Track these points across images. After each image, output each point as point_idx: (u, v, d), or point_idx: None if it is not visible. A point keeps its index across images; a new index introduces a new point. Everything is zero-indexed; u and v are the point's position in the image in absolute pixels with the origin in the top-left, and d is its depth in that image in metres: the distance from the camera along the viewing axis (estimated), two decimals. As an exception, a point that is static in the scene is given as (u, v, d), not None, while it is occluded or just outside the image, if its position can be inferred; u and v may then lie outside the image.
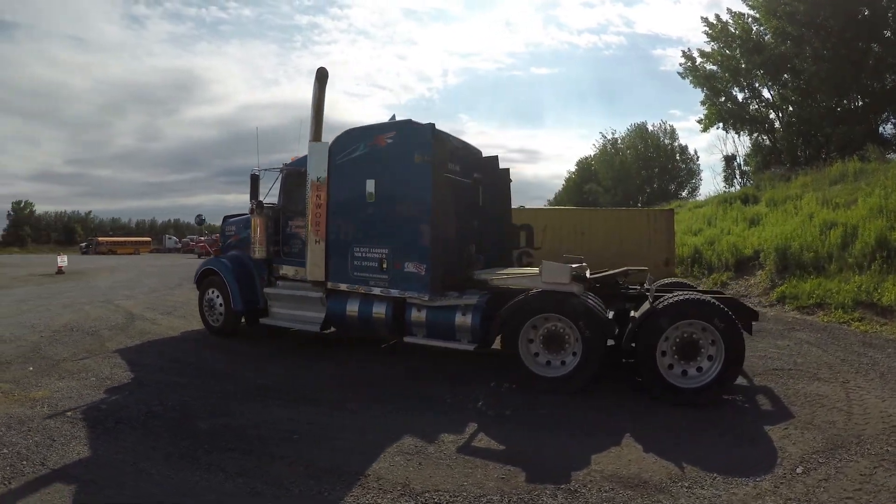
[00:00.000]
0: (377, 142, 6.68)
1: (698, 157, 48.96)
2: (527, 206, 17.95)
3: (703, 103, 30.38)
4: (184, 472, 3.91)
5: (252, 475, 3.83)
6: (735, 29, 26.81)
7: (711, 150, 65.56)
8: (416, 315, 6.51)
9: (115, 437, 4.57)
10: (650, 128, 49.80)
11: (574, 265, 6.86)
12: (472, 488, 3.65)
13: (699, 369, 5.43)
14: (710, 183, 75.18)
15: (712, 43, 28.11)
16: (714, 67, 28.77)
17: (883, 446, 4.30)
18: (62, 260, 23.63)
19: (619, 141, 52.48)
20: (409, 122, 6.65)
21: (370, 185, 6.70)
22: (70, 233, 76.19)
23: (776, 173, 22.70)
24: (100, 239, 56.84)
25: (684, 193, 45.57)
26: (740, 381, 6.03)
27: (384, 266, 6.61)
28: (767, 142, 28.21)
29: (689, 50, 29.73)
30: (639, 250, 16.30)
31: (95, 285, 16.73)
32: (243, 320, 8.60)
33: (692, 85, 30.34)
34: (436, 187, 6.27)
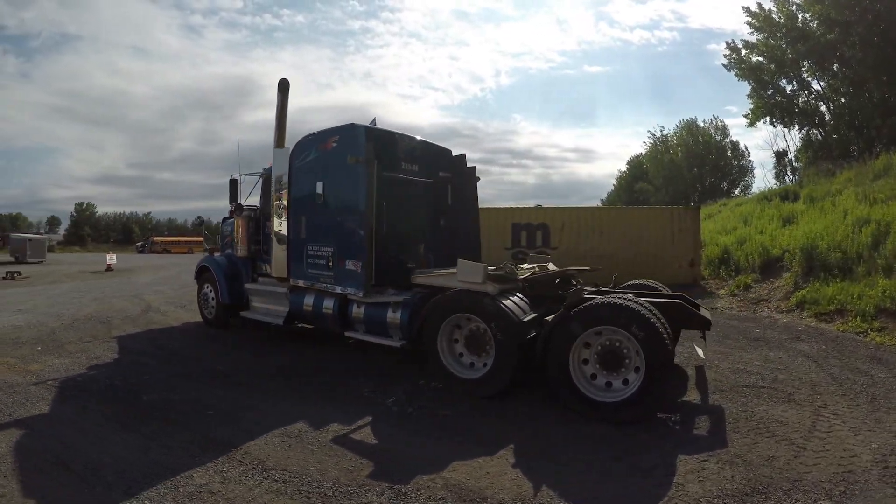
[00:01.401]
0: (325, 146, 7.16)
1: (749, 154, 46.61)
2: (544, 205, 17.74)
3: (749, 97, 29.09)
4: (106, 430, 4.71)
5: (153, 437, 4.53)
6: (779, 17, 25.45)
7: (765, 146, 61.81)
8: (357, 311, 6.89)
9: (73, 401, 5.48)
10: (701, 124, 47.74)
11: (522, 265, 7.02)
12: (315, 473, 3.89)
13: (625, 381, 4.93)
14: (762, 180, 70.60)
15: (756, 34, 26.85)
16: (760, 59, 27.44)
17: (818, 498, 3.51)
18: (111, 258, 26.10)
19: (669, 138, 50.81)
20: (350, 125, 6.99)
21: (319, 188, 7.21)
22: (128, 233, 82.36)
23: (821, 168, 21.41)
24: (155, 238, 61.13)
25: (737, 192, 43.33)
26: (692, 397, 5.58)
27: (330, 264, 7.10)
28: (819, 136, 26.54)
29: (733, 41, 28.38)
30: (661, 251, 15.88)
31: (135, 281, 18.52)
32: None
33: (737, 78, 29.09)
34: (370, 187, 6.60)
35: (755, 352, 7.46)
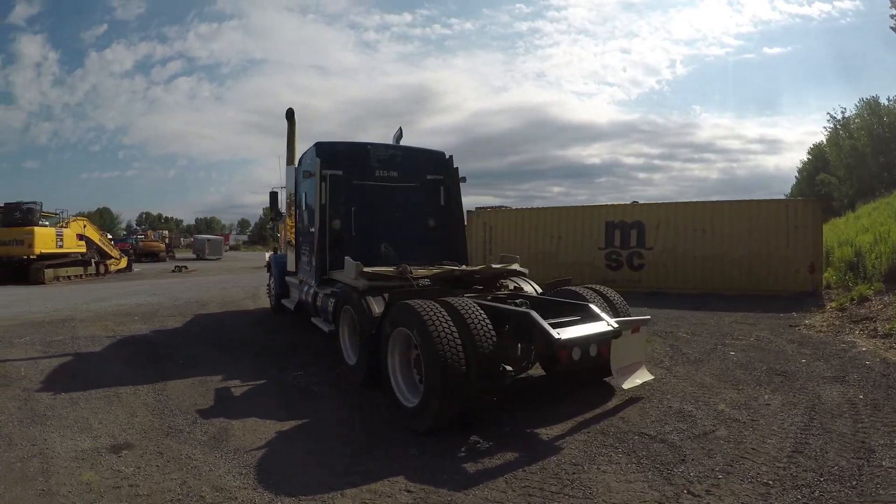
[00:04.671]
0: (307, 162, 8.79)
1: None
2: (640, 202, 16.48)
3: (927, 64, 23.78)
4: (117, 363, 7.06)
5: (135, 369, 6.71)
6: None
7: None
8: (320, 301, 8.14)
9: (116, 348, 8.03)
10: (884, 102, 39.53)
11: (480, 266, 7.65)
12: (174, 401, 5.37)
13: None
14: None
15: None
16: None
17: None
18: (268, 255, 31.38)
19: (851, 121, 42.90)
20: (314, 144, 8.41)
21: (304, 198, 8.98)
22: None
23: None
24: (324, 238, 70.50)
25: (930, 181, 34.92)
26: (556, 430, 4.55)
27: (307, 260, 8.72)
28: None
29: (901, 0, 23.54)
30: (775, 252, 14.09)
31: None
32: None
33: (910, 44, 24.01)
34: (320, 195, 7.87)
35: (745, 392, 5.52)
